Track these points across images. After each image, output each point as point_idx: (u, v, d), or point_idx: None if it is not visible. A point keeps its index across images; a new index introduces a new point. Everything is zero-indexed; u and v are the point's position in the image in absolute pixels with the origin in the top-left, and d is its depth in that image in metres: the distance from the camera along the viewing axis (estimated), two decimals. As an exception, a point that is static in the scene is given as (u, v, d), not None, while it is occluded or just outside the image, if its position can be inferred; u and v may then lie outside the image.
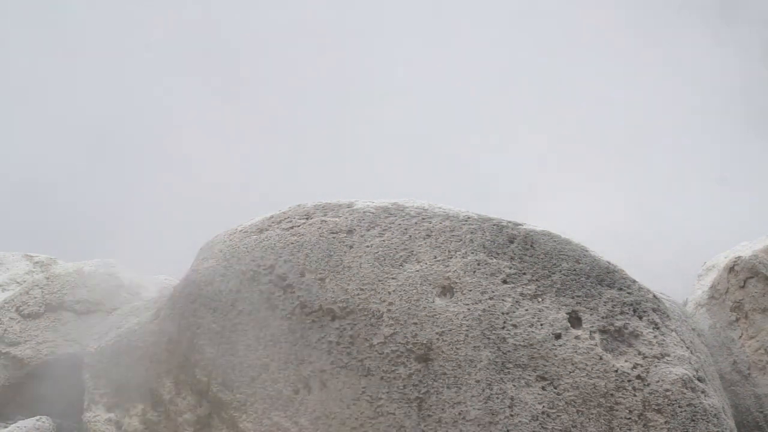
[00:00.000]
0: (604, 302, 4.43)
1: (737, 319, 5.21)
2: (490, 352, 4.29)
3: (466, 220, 4.64)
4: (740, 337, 5.18)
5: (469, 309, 4.37)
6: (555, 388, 4.24)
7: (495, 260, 4.50)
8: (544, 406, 4.20)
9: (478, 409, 4.20)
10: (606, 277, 4.50)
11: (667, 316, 4.48)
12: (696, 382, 4.27)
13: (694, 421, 4.18)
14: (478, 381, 4.24)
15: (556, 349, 4.30)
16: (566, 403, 4.21)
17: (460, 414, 4.20)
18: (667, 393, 4.22)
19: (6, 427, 5.23)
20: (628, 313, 4.42)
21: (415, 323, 4.36)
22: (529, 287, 4.44)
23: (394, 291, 4.43)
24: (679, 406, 4.20)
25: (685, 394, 4.22)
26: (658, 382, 4.24)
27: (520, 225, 4.65)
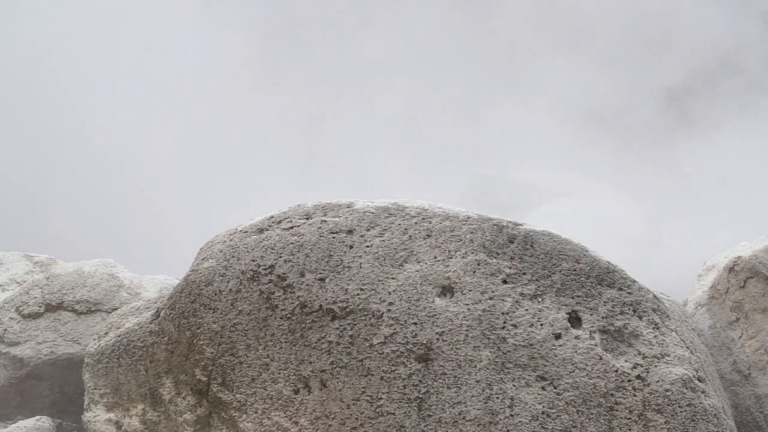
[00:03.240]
0: (604, 302, 4.43)
1: (737, 319, 5.21)
2: (490, 352, 4.29)
3: (466, 220, 4.64)
4: (740, 337, 5.18)
5: (469, 309, 4.37)
6: (555, 388, 4.23)
7: (495, 260, 4.50)
8: (544, 406, 4.20)
9: (478, 409, 4.20)
10: (606, 277, 4.50)
11: (667, 316, 4.48)
12: (696, 382, 4.27)
13: (694, 421, 4.18)
14: (478, 381, 4.24)
15: (556, 349, 4.30)
16: (566, 403, 4.21)
17: (460, 414, 4.20)
18: (667, 393, 4.22)
19: (6, 427, 5.23)
20: (628, 313, 4.42)
21: (415, 323, 4.36)
22: (529, 287, 4.44)
23: (394, 291, 4.43)
24: (679, 406, 4.20)
25: (685, 394, 4.22)
26: (658, 382, 4.24)
27: (520, 225, 4.65)
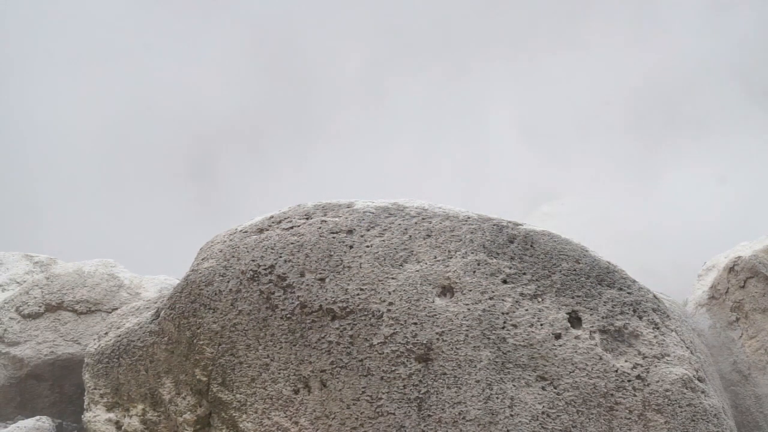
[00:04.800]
0: (604, 302, 4.43)
1: (737, 319, 5.21)
2: (490, 352, 4.29)
3: (466, 220, 4.64)
4: (740, 337, 5.18)
5: (469, 309, 4.37)
6: (555, 388, 4.24)
7: (495, 260, 4.51)
8: (544, 406, 4.20)
9: (478, 409, 4.20)
10: (606, 277, 4.50)
11: (667, 316, 4.48)
12: (696, 382, 4.28)
13: (694, 421, 4.18)
14: (478, 381, 4.24)
15: (556, 349, 4.30)
16: (566, 403, 4.21)
17: (460, 414, 4.20)
18: (667, 393, 4.22)
19: (6, 427, 5.23)
20: (628, 313, 4.42)
21: (415, 323, 4.36)
22: (529, 287, 4.44)
23: (394, 291, 4.43)
24: (679, 406, 4.20)
25: (685, 394, 4.23)
26: (658, 382, 4.25)
27: (520, 225, 4.65)
